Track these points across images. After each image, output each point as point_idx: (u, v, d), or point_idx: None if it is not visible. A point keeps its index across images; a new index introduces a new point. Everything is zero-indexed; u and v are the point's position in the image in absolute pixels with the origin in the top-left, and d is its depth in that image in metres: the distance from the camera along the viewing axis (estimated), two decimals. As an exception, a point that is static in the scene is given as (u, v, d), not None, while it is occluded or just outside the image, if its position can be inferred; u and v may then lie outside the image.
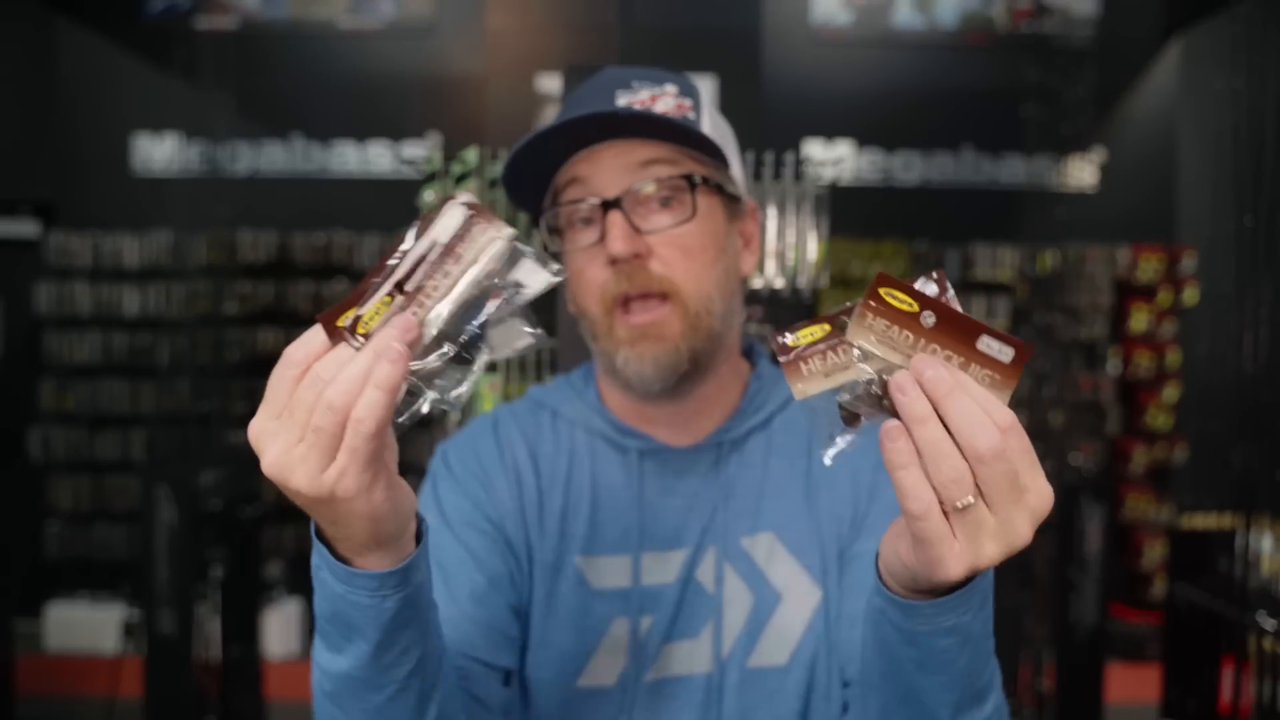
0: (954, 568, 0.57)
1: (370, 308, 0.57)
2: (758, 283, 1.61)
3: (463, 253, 0.58)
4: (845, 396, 0.58)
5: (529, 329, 0.61)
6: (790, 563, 0.90)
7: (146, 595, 3.09)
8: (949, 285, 0.59)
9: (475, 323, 0.59)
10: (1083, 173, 5.15)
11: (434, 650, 0.69)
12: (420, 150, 5.19)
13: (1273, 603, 2.30)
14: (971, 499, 0.56)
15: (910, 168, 5.48)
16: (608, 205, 0.85)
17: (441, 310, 0.58)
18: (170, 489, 3.07)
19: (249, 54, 5.06)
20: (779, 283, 1.62)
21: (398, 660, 0.66)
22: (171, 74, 4.07)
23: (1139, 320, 5.14)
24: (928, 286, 0.59)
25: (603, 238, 0.85)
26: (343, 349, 0.57)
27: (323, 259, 5.21)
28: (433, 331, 0.58)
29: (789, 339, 0.59)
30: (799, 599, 0.89)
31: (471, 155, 1.59)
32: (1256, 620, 2.23)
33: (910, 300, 0.57)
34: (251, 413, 0.60)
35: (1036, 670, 3.36)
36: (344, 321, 0.57)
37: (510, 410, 1.00)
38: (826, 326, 0.58)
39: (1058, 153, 4.22)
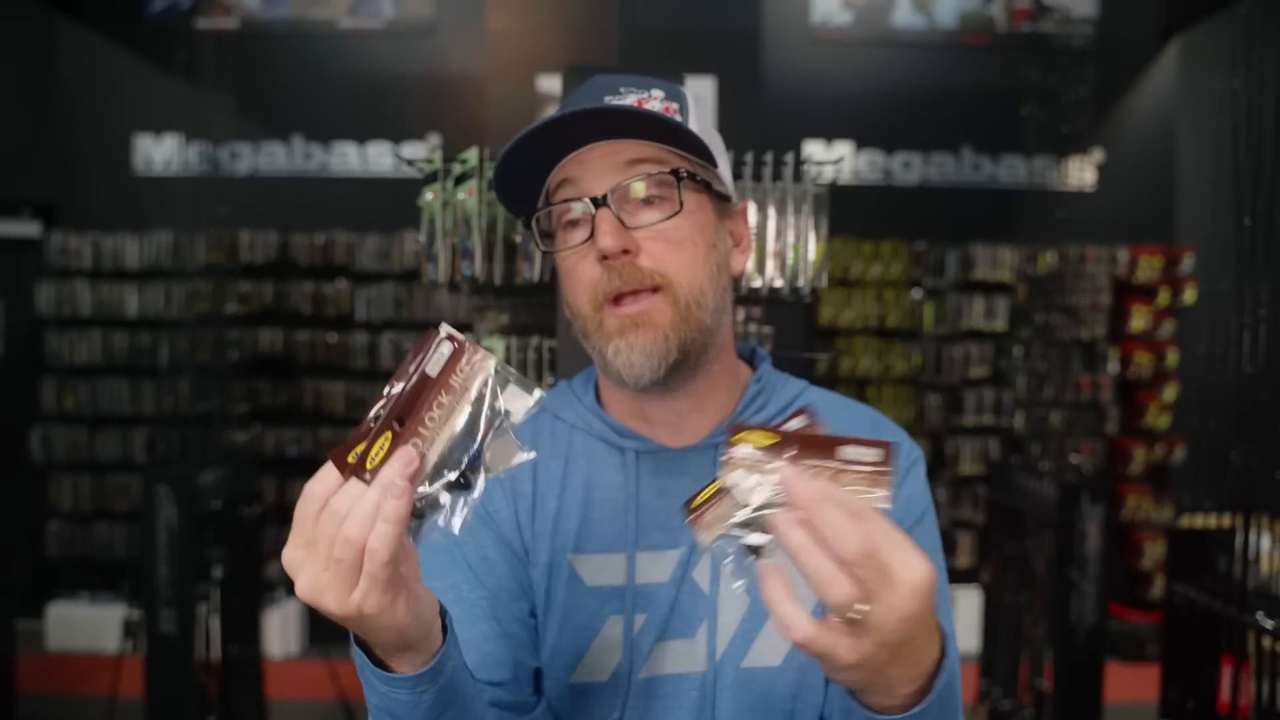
0: (841, 660, 0.62)
1: (375, 445, 0.64)
2: (757, 283, 1.61)
3: (453, 384, 0.64)
4: (739, 531, 0.65)
5: (520, 447, 0.67)
6: (786, 566, 0.90)
7: (147, 595, 3.09)
8: (812, 417, 0.68)
9: (471, 451, 0.65)
10: (1082, 173, 5.15)
11: (473, 710, 0.78)
12: (420, 150, 5.19)
13: (1271, 602, 2.30)
14: (866, 607, 0.60)
15: (910, 168, 5.48)
16: (596, 203, 0.86)
17: (439, 441, 0.64)
18: (170, 489, 3.07)
19: (249, 54, 5.05)
20: (779, 283, 1.62)
21: None
22: (171, 74, 4.07)
23: (1138, 320, 5.14)
24: (792, 423, 0.67)
25: (592, 236, 0.86)
26: (354, 484, 0.64)
27: (323, 259, 5.21)
28: (433, 460, 0.64)
29: (692, 503, 0.67)
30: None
31: (471, 155, 1.60)
32: (1255, 620, 2.24)
33: (769, 435, 0.64)
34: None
35: (1036, 670, 3.36)
36: (353, 458, 0.64)
37: None
38: (718, 484, 0.66)
39: (1057, 153, 4.22)
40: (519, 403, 0.66)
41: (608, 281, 0.86)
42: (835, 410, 1.00)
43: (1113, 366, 5.19)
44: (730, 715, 0.88)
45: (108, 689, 3.55)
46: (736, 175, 1.65)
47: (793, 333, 2.23)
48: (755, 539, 0.65)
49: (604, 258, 0.85)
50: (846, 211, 3.16)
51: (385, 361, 5.12)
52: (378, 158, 5.39)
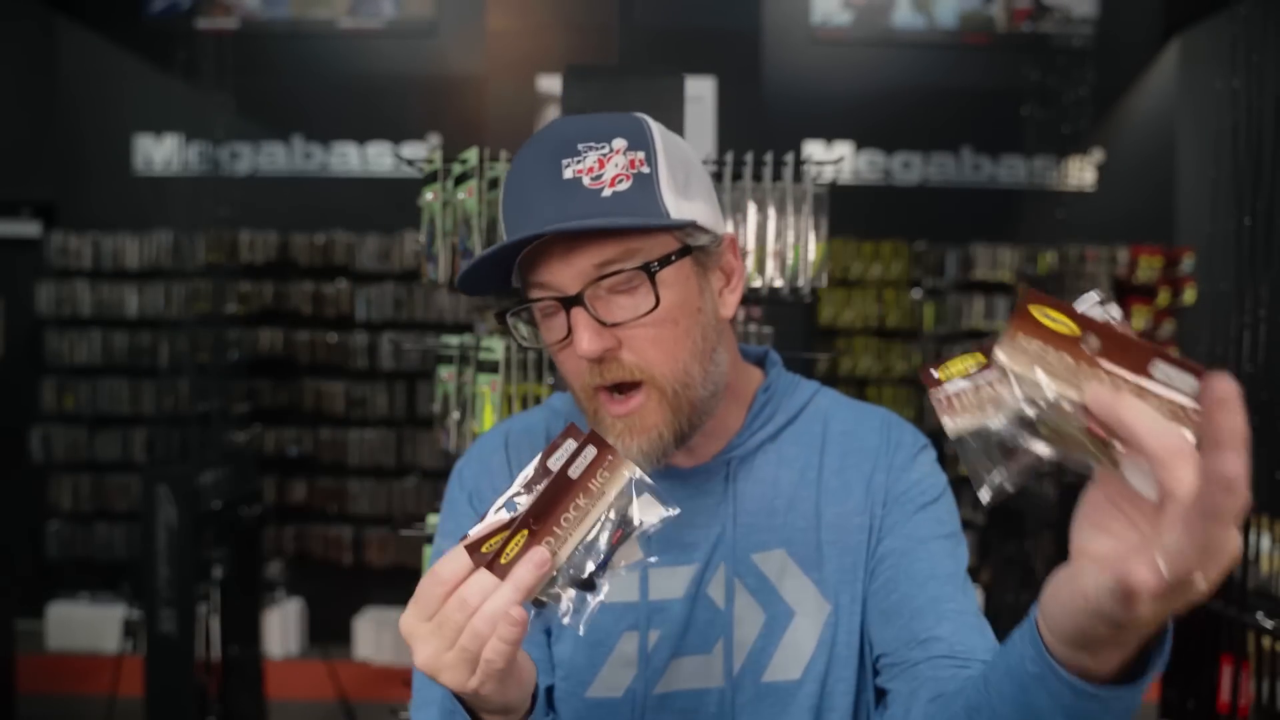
0: (1151, 622, 0.54)
1: (510, 542, 0.65)
2: (757, 283, 1.61)
3: (592, 487, 0.66)
4: (1008, 430, 0.53)
5: (640, 550, 0.68)
6: (801, 578, 0.91)
7: (147, 595, 3.09)
8: (1114, 305, 0.54)
9: (600, 558, 0.66)
10: (1082, 173, 5.15)
11: None
12: (420, 150, 5.19)
13: (1272, 602, 2.30)
14: (1201, 580, 0.51)
15: (910, 168, 5.48)
16: (569, 303, 0.83)
17: (570, 541, 0.66)
18: (170, 489, 3.08)
19: (249, 54, 5.06)
20: (779, 283, 1.62)
21: None
22: (171, 74, 4.08)
23: (1138, 320, 5.14)
24: (1088, 306, 0.53)
25: (570, 333, 0.83)
26: (486, 576, 0.65)
27: (323, 259, 5.21)
28: (562, 558, 0.66)
29: (937, 373, 0.55)
30: (811, 614, 0.90)
31: (471, 155, 1.59)
32: (1255, 620, 2.24)
33: (1068, 322, 0.52)
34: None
35: (1036, 670, 3.36)
36: (486, 549, 0.66)
37: (524, 423, 1.01)
38: (980, 357, 0.54)
39: (1057, 153, 4.23)
40: (651, 513, 0.67)
41: (592, 378, 0.85)
42: (846, 421, 0.98)
43: (1113, 366, 5.18)
44: None
45: (108, 689, 3.55)
46: (736, 175, 1.65)
47: (793, 333, 2.23)
48: (1031, 446, 0.52)
49: (587, 359, 0.84)
50: (846, 211, 3.16)
51: (385, 361, 5.13)
52: (378, 158, 5.39)
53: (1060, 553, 3.36)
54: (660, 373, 0.84)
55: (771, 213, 1.62)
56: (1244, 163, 2.38)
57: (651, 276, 0.82)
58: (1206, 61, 5.02)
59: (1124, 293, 5.18)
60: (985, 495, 0.55)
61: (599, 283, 0.82)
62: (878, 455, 0.95)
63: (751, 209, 1.64)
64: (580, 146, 0.83)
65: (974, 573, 4.67)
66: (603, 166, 0.83)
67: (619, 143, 0.84)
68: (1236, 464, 0.47)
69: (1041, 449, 0.52)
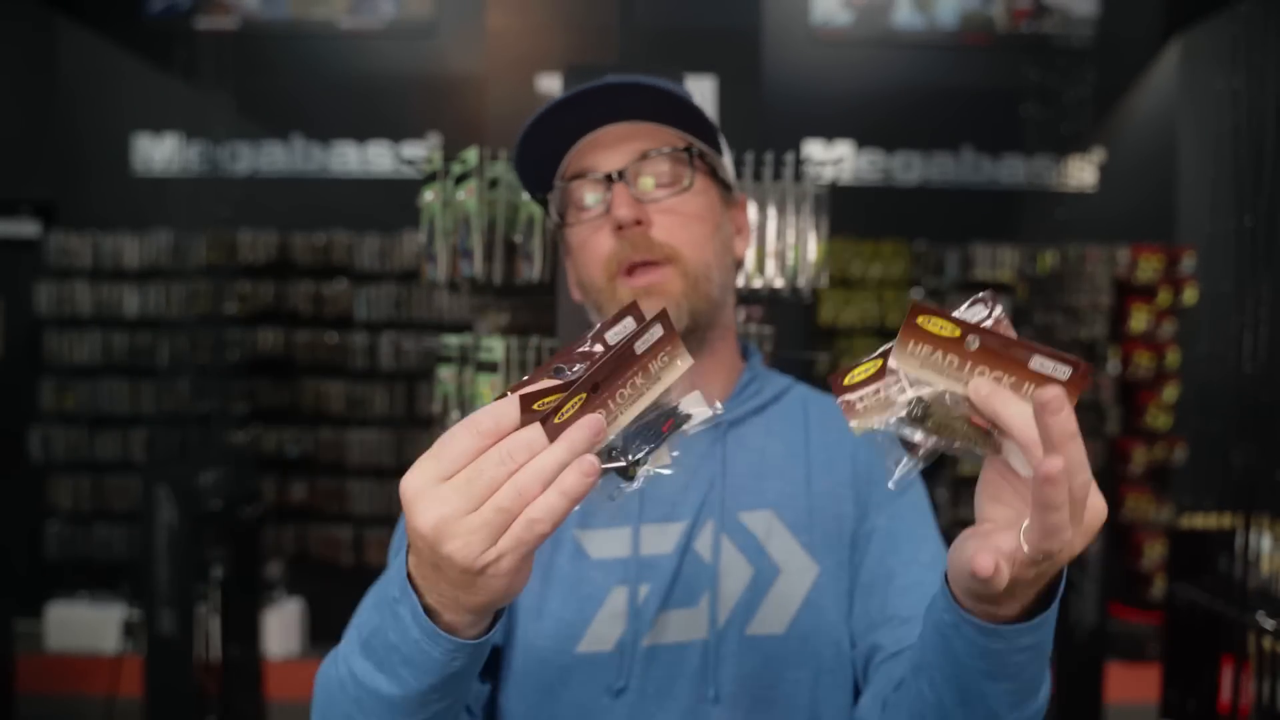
0: (1031, 589, 0.61)
1: (568, 402, 0.58)
2: (757, 283, 1.61)
3: (651, 369, 0.61)
4: (900, 426, 0.59)
5: (669, 454, 0.62)
6: (788, 539, 0.93)
7: (147, 595, 3.09)
8: (999, 306, 0.59)
9: (649, 443, 0.61)
10: (1082, 173, 5.15)
11: (470, 688, 0.71)
12: (420, 150, 5.19)
13: (1272, 603, 2.30)
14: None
15: (910, 168, 5.48)
16: (611, 180, 0.91)
17: (621, 419, 0.60)
18: (170, 489, 3.08)
19: (249, 54, 5.06)
20: (779, 283, 1.62)
21: (439, 698, 0.67)
22: (171, 74, 4.08)
23: (1139, 320, 5.14)
24: (972, 309, 0.59)
25: (607, 210, 0.90)
26: (536, 433, 0.57)
27: (323, 259, 5.21)
28: (610, 437, 0.60)
29: (843, 380, 0.61)
30: (797, 573, 0.93)
31: (471, 155, 1.59)
32: (1256, 620, 2.23)
33: (951, 326, 0.57)
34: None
35: (1036, 670, 3.36)
36: (541, 406, 0.58)
37: None
38: (879, 363, 0.60)
39: (1058, 153, 4.23)
40: (698, 411, 0.62)
41: (620, 251, 0.90)
42: (826, 403, 1.03)
43: (1113, 367, 5.18)
44: (733, 682, 0.90)
45: (107, 689, 3.55)
46: (736, 175, 1.65)
47: (793, 333, 2.23)
48: (922, 439, 0.59)
49: (619, 228, 0.89)
50: (846, 211, 3.16)
51: (385, 361, 5.12)
52: (378, 158, 5.39)
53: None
54: (686, 253, 0.91)
55: (771, 212, 1.62)
56: (1244, 163, 2.38)
57: (691, 158, 0.92)
58: (1207, 61, 5.03)
59: (1124, 293, 5.18)
60: (891, 484, 0.61)
61: (641, 161, 0.90)
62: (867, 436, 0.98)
63: (751, 209, 1.64)
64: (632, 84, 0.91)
65: (974, 573, 4.68)
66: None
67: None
68: (1055, 463, 0.53)
69: (933, 440, 0.58)
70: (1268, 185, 2.32)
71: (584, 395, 0.58)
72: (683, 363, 0.62)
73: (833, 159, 1.72)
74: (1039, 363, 0.56)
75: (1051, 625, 0.66)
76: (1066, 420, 0.53)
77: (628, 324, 0.61)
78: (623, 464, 0.60)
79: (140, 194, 5.25)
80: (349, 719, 0.70)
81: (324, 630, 4.93)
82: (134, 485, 5.02)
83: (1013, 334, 0.57)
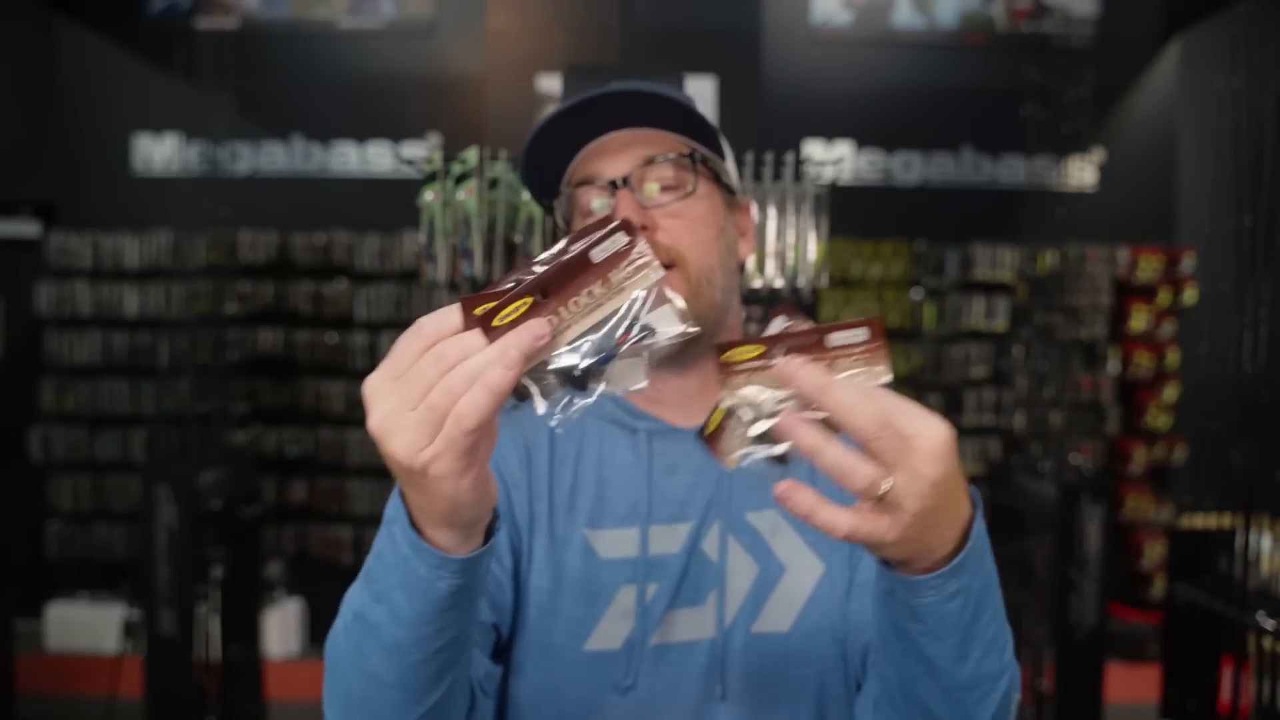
0: (886, 539, 0.62)
1: (510, 305, 0.58)
2: (757, 283, 1.61)
3: (612, 279, 0.60)
4: (759, 450, 0.64)
5: (644, 373, 0.62)
6: (794, 538, 0.94)
7: (147, 595, 3.09)
8: (798, 315, 0.64)
9: (604, 352, 0.60)
10: (1082, 173, 5.15)
11: (468, 631, 0.73)
12: (420, 150, 5.19)
13: (1272, 603, 2.30)
14: (889, 484, 0.60)
15: (910, 168, 5.48)
16: (615, 186, 0.92)
17: (574, 328, 0.60)
18: (170, 489, 3.07)
19: (249, 54, 5.05)
20: (779, 283, 1.62)
21: (434, 635, 0.68)
22: (171, 74, 4.08)
23: (1138, 320, 5.14)
24: (777, 324, 0.63)
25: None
26: (473, 335, 0.59)
27: (323, 259, 5.21)
28: (561, 344, 0.60)
29: (704, 433, 0.66)
30: (803, 571, 0.93)
31: (471, 155, 1.59)
32: (1256, 620, 2.24)
33: (753, 347, 0.62)
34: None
35: (1036, 670, 3.36)
36: (480, 311, 0.59)
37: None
38: (723, 409, 0.65)
39: (1058, 153, 4.22)
40: (667, 325, 0.61)
41: None
42: None
43: (1113, 366, 5.18)
44: (740, 680, 0.91)
45: (107, 689, 3.55)
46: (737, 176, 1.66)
47: (793, 333, 2.22)
48: (776, 449, 0.63)
49: None
50: (846, 211, 3.16)
51: (385, 361, 5.12)
52: (378, 158, 5.39)
53: (1060, 553, 3.36)
54: (690, 257, 0.92)
55: (772, 213, 1.62)
56: (1244, 163, 2.38)
57: (694, 164, 0.93)
58: (1207, 61, 5.02)
59: (1124, 293, 5.18)
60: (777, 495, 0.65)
61: (646, 167, 0.92)
62: None
63: (752, 208, 1.64)
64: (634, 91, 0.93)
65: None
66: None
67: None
68: (789, 420, 0.61)
69: (780, 448, 0.63)
70: (1268, 185, 2.32)
71: (529, 300, 0.58)
72: (653, 274, 0.60)
73: (833, 159, 1.72)
74: (836, 338, 0.61)
75: (979, 570, 0.67)
76: (807, 378, 0.60)
77: (597, 232, 0.60)
78: (567, 366, 0.60)
79: (140, 194, 5.25)
80: (355, 665, 0.71)
81: (324, 630, 4.90)
82: (134, 485, 5.02)
83: (806, 328, 0.62)
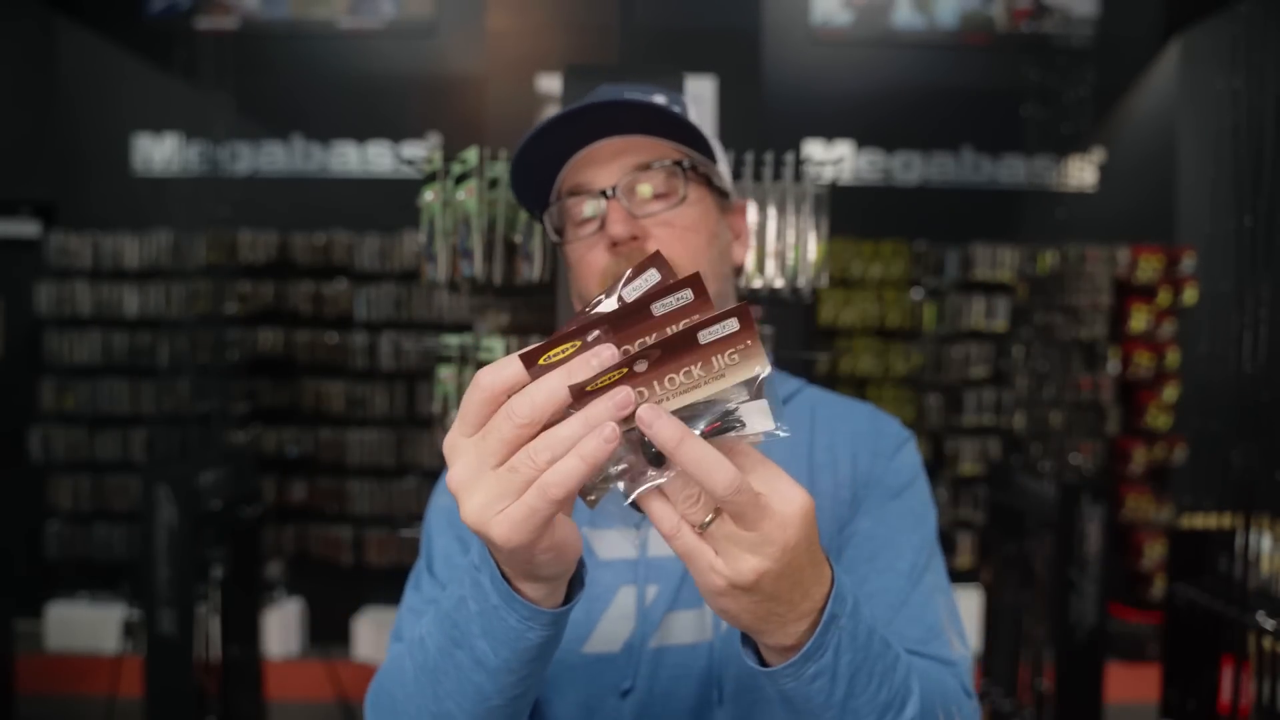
0: (715, 581, 0.59)
1: (606, 376, 0.55)
2: (757, 283, 1.61)
3: (715, 364, 0.56)
4: (615, 484, 0.59)
5: (771, 416, 0.59)
6: None
7: (146, 595, 3.09)
8: (620, 285, 0.59)
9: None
10: (1082, 173, 5.15)
11: (543, 679, 0.73)
12: (420, 150, 5.19)
13: (1272, 602, 2.30)
14: (709, 518, 0.58)
15: (910, 168, 5.48)
16: (606, 196, 0.91)
17: (666, 407, 0.56)
18: (170, 489, 3.07)
19: (249, 54, 5.06)
20: (779, 283, 1.62)
21: (516, 684, 0.68)
22: (171, 74, 4.08)
23: (1139, 320, 5.14)
24: (612, 296, 0.58)
25: (603, 226, 0.91)
26: (554, 387, 0.55)
27: (323, 259, 5.21)
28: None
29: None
30: None
31: (471, 155, 1.59)
32: (1256, 620, 2.23)
33: (567, 346, 0.57)
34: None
35: (1036, 670, 3.36)
36: (547, 361, 0.56)
37: None
38: None
39: (1058, 153, 4.22)
40: (759, 423, 0.58)
41: (615, 265, 0.91)
42: (833, 407, 1.03)
43: (1113, 366, 5.18)
44: (737, 683, 0.91)
45: (107, 689, 3.55)
46: (736, 175, 1.66)
47: (793, 333, 2.22)
48: (637, 484, 0.59)
49: (614, 244, 0.90)
50: (846, 211, 3.16)
51: (385, 361, 5.12)
52: (378, 158, 5.39)
53: (1060, 553, 3.35)
54: (681, 264, 0.91)
55: (771, 213, 1.62)
56: (1244, 163, 2.38)
57: (684, 172, 0.92)
58: (1207, 61, 5.03)
59: (1124, 293, 5.18)
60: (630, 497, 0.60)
61: (635, 175, 0.91)
62: (864, 439, 0.99)
63: (751, 209, 1.64)
64: (625, 94, 0.92)
65: (974, 573, 4.68)
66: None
67: (659, 98, 0.95)
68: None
69: (647, 482, 0.58)
70: (1268, 185, 2.32)
71: (624, 372, 0.55)
72: (757, 367, 0.57)
73: (833, 159, 1.72)
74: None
75: (848, 645, 0.65)
76: (661, 430, 0.55)
77: (684, 295, 0.56)
78: (654, 451, 0.57)
79: (140, 194, 5.25)
80: (424, 709, 0.71)
81: (324, 630, 4.93)
82: (134, 485, 5.03)
83: (605, 298, 0.58)
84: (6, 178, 5.29)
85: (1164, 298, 5.16)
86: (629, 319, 0.56)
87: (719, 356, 0.56)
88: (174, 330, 4.19)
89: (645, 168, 0.91)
